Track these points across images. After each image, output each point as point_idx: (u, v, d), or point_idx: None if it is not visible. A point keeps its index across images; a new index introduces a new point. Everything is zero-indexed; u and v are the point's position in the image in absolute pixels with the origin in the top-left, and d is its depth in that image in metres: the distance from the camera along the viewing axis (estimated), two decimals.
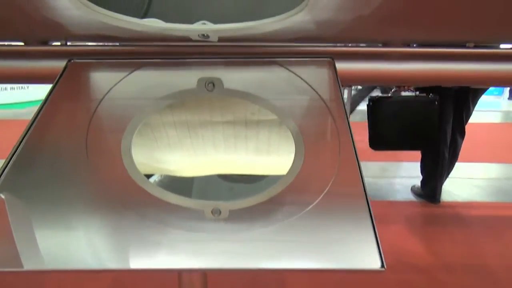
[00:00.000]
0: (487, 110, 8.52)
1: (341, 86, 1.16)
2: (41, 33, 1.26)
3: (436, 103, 2.90)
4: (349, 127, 1.05)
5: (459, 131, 3.47)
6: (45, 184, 0.89)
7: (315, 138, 1.06)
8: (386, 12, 1.02)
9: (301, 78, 1.23)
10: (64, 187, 0.89)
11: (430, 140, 3.05)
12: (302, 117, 1.14)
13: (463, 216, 3.43)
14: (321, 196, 0.89)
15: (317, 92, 1.20)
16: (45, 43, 1.31)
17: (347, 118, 1.07)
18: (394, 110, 2.94)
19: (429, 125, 2.97)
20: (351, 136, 1.03)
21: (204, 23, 1.11)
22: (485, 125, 7.25)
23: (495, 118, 8.62)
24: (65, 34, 1.24)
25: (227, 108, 1.38)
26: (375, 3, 0.96)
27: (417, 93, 3.05)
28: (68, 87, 1.22)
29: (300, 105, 1.18)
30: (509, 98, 10.91)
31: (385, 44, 1.29)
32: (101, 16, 1.05)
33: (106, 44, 1.26)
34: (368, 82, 1.35)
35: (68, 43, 1.29)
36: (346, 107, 1.11)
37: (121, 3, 1.36)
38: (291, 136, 1.06)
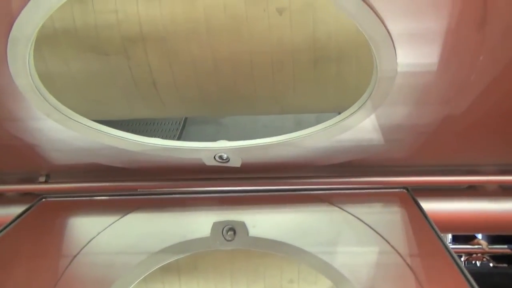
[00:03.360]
0: None
1: (436, 228, 0.74)
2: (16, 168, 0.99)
3: None
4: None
5: None
6: None
7: None
8: (486, 110, 0.68)
9: (362, 221, 0.89)
10: None
11: None
12: (368, 282, 0.78)
13: None
14: None
15: (388, 242, 0.85)
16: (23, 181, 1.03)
17: (465, 274, 0.63)
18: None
19: None
20: None
21: (222, 142, 0.81)
22: None
23: None
24: (46, 166, 0.96)
25: (253, 271, 1.03)
26: (473, 93, 0.64)
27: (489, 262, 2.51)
28: (29, 237, 0.88)
29: (365, 263, 0.83)
30: None
31: (475, 172, 0.91)
32: (92, 134, 0.77)
33: (92, 179, 0.96)
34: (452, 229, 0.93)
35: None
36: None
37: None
38: None
